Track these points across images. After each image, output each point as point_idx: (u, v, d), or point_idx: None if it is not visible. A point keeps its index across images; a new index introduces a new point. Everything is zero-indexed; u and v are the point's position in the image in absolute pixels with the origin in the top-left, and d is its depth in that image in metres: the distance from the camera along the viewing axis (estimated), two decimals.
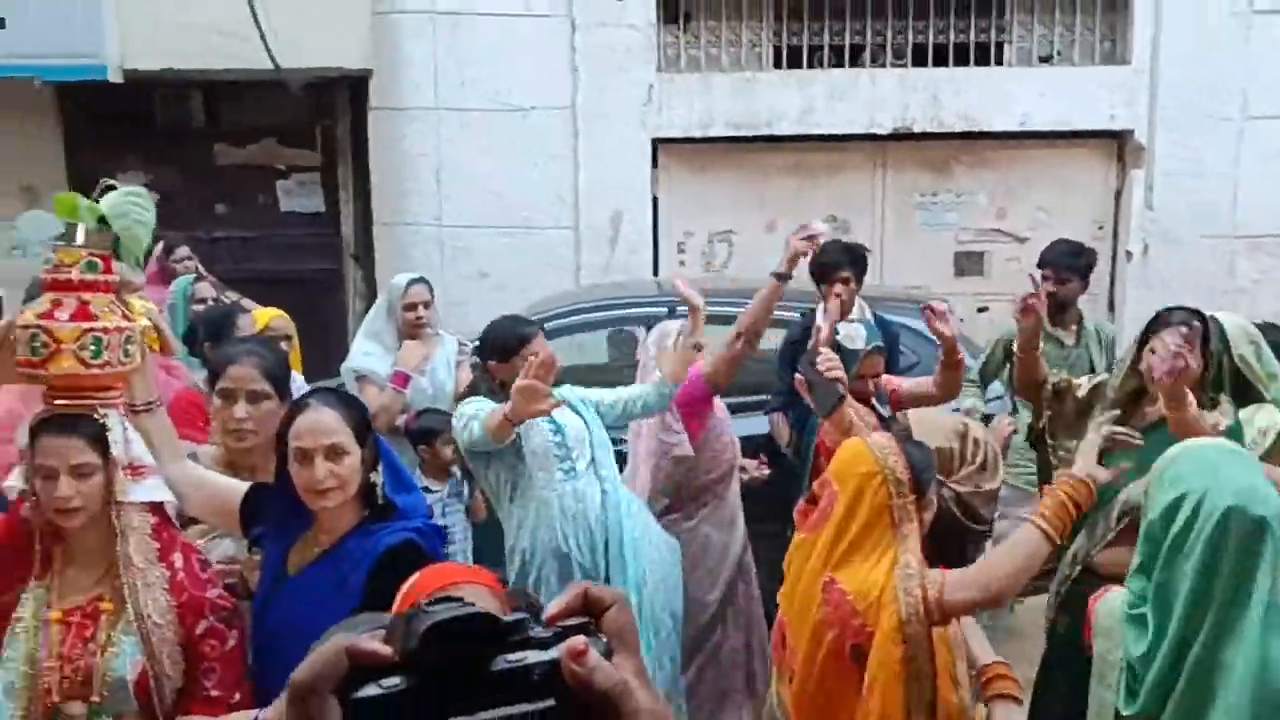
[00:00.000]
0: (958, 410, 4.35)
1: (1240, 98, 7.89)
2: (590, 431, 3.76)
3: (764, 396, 4.99)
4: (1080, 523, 3.17)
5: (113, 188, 2.54)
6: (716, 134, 8.00)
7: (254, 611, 2.58)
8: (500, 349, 3.77)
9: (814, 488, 2.75)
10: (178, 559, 2.45)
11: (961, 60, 8.12)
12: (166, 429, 2.73)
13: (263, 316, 4.74)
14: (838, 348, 3.95)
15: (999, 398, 5.14)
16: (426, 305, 4.74)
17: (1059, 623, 3.42)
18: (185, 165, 8.49)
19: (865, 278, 4.80)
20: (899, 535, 2.53)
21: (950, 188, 8.28)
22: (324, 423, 2.44)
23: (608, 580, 3.67)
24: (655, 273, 7.97)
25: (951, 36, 8.10)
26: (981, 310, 7.95)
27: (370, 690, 0.55)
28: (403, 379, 4.56)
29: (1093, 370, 4.83)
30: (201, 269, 5.86)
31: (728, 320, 4.48)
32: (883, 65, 8.11)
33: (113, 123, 8.25)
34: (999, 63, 8.15)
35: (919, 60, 8.11)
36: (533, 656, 0.57)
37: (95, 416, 2.36)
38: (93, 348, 2.30)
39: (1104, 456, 2.93)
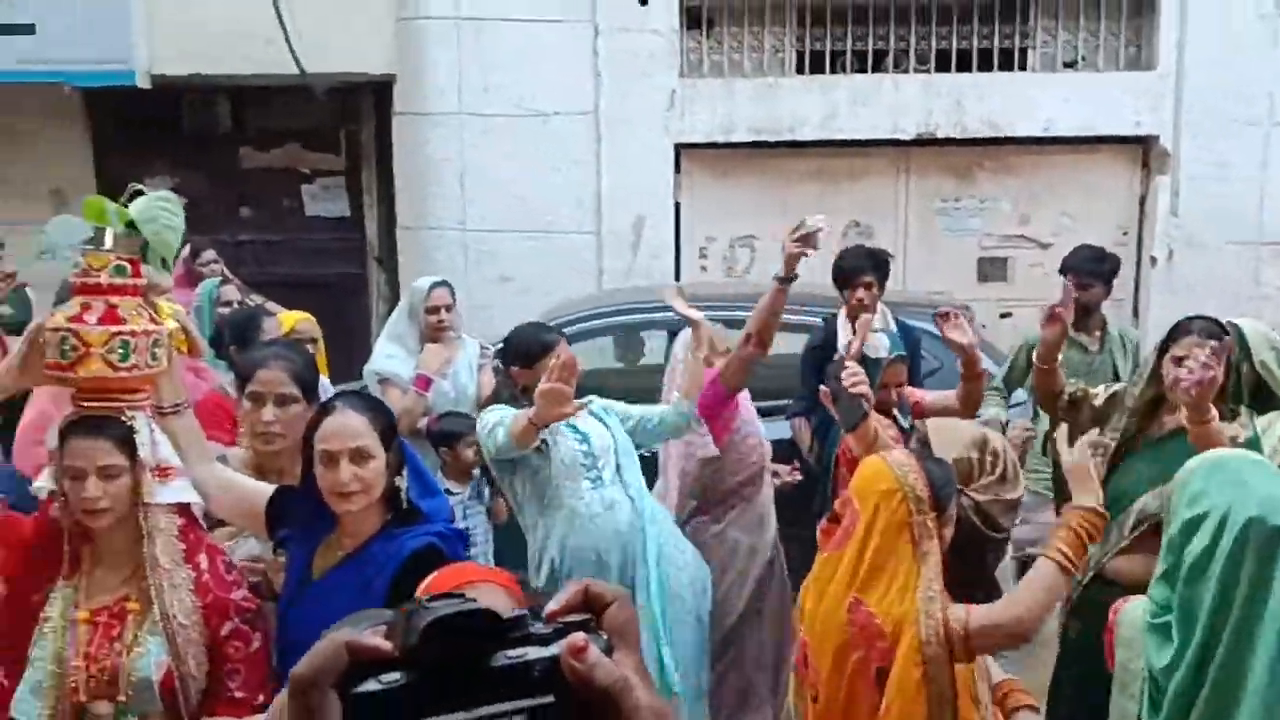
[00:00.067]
0: (978, 417, 4.33)
1: (1267, 102, 7.84)
2: (615, 440, 3.78)
3: (786, 401, 4.99)
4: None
5: (141, 192, 2.56)
6: (739, 139, 8.00)
7: (278, 613, 2.60)
8: (523, 355, 3.78)
9: (836, 506, 2.74)
10: (203, 560, 2.47)
11: (985, 66, 8.08)
12: (194, 431, 2.75)
13: (288, 320, 4.77)
14: (862, 357, 3.95)
15: (1022, 404, 5.12)
16: (448, 308, 4.76)
17: (1070, 628, 3.41)
18: (211, 169, 8.56)
19: (888, 283, 4.80)
20: (920, 553, 2.52)
21: (973, 193, 8.25)
22: (350, 426, 2.44)
23: (634, 588, 3.69)
24: (677, 278, 7.97)
25: (975, 42, 8.08)
26: (1004, 316, 7.92)
27: (370, 685, 0.55)
28: (425, 382, 4.58)
29: (1116, 377, 4.81)
30: (227, 272, 5.91)
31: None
32: (906, 71, 8.10)
33: (140, 127, 8.33)
34: (1023, 68, 8.11)
35: (943, 66, 8.08)
36: (533, 653, 0.57)
37: (123, 419, 2.38)
38: (120, 351, 2.32)
39: (1119, 461, 2.92)
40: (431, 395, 4.60)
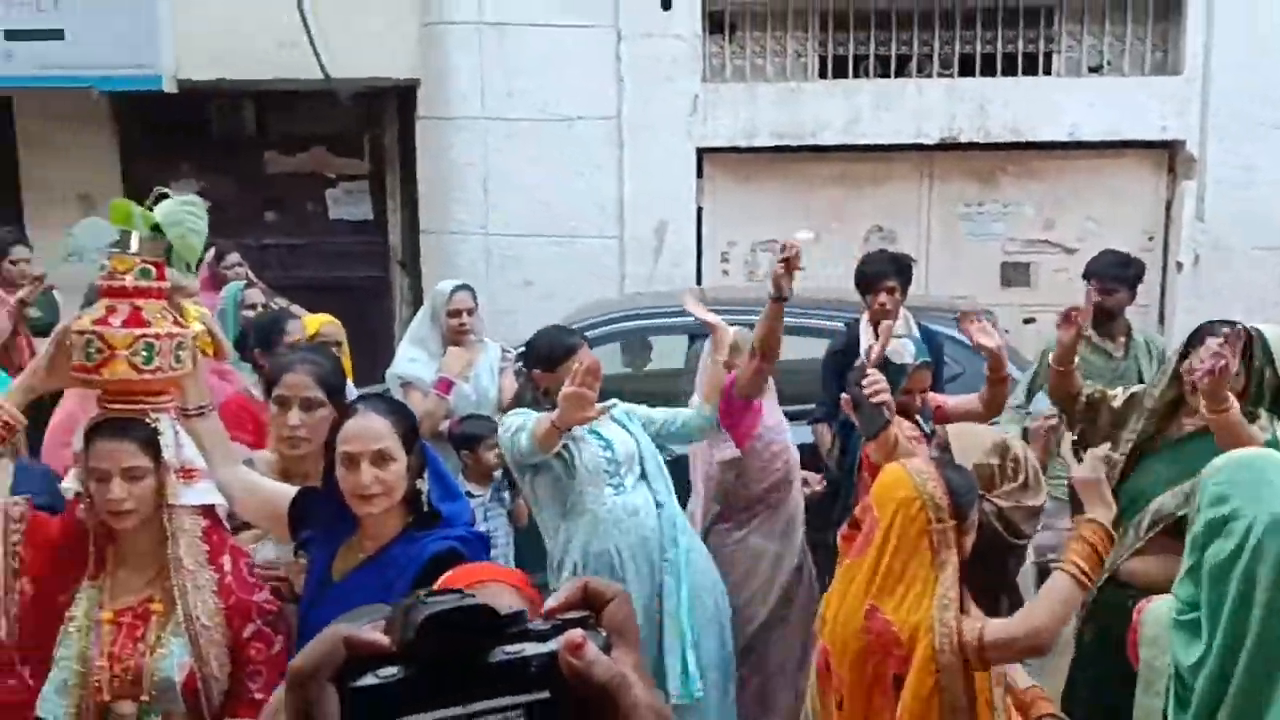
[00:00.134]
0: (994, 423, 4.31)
1: None
2: (639, 446, 3.78)
3: (809, 406, 4.97)
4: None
5: (166, 196, 2.58)
6: (761, 144, 7.99)
7: (299, 615, 2.61)
8: (546, 359, 3.79)
9: (856, 512, 2.74)
10: (226, 562, 2.49)
11: (1009, 70, 8.05)
12: (218, 433, 2.77)
13: (313, 323, 4.80)
14: (885, 362, 3.94)
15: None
16: (470, 312, 4.78)
17: (1085, 631, 3.39)
18: (237, 173, 8.62)
19: (910, 288, 4.78)
20: (938, 562, 2.51)
21: (997, 198, 8.21)
22: (372, 428, 2.45)
23: (661, 594, 3.69)
24: (699, 283, 7.97)
25: (999, 46, 8.04)
26: (1028, 322, 7.87)
27: (368, 679, 0.55)
28: (446, 385, 4.59)
29: (1141, 383, 4.77)
30: (251, 275, 5.95)
31: None
32: (929, 75, 8.07)
33: (167, 132, 8.41)
34: (1047, 73, 8.07)
35: (966, 70, 8.05)
36: (531, 649, 0.57)
37: (147, 421, 2.39)
38: (144, 353, 2.34)
39: (1136, 462, 2.91)
40: (453, 398, 4.61)
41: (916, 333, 4.52)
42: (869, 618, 2.54)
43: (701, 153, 8.03)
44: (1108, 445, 3.31)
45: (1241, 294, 7.57)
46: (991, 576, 2.78)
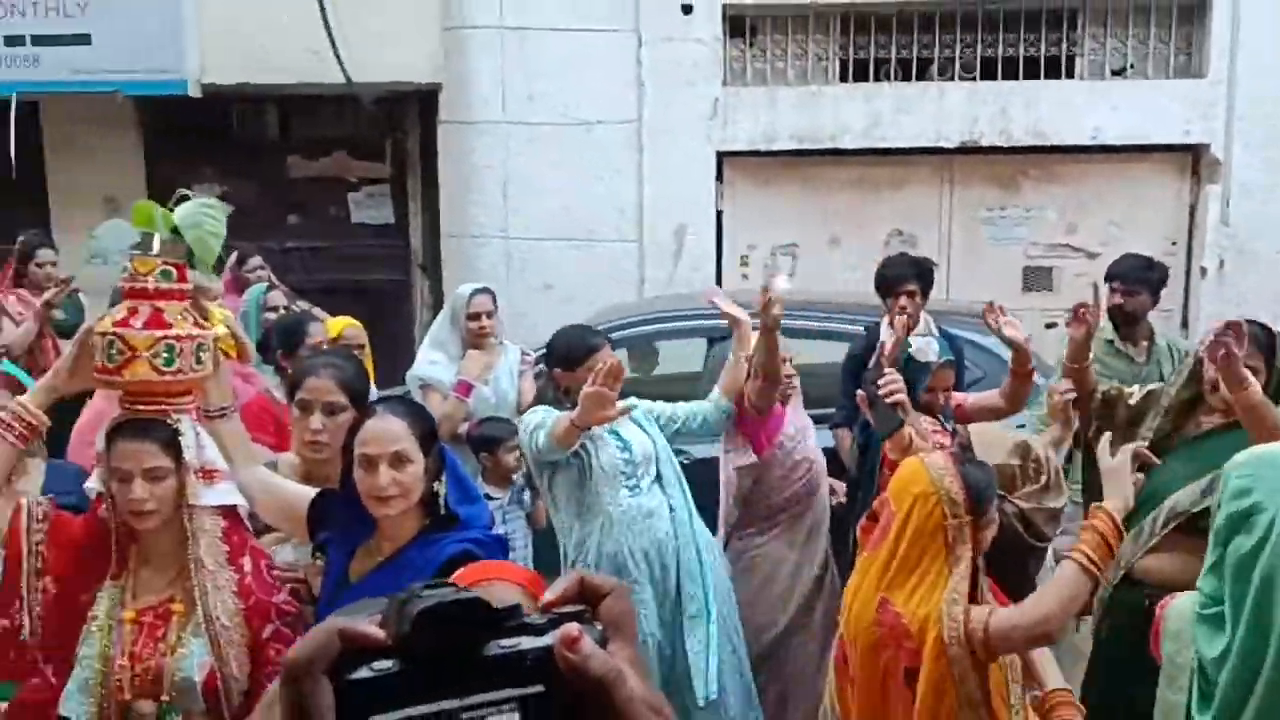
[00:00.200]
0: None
1: None
2: (657, 449, 3.78)
3: (830, 410, 4.96)
4: (1125, 527, 3.12)
5: (187, 198, 2.60)
6: (781, 148, 7.99)
7: (316, 617, 2.62)
8: (567, 358, 3.79)
9: (875, 505, 2.74)
10: (246, 563, 2.49)
11: (1032, 73, 8.02)
12: (240, 434, 2.77)
13: (335, 326, 4.82)
14: (909, 360, 3.92)
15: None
16: (490, 315, 4.79)
17: (1101, 629, 3.38)
18: (260, 177, 8.67)
19: (931, 292, 4.77)
20: (952, 557, 2.51)
21: (1018, 202, 8.18)
22: (390, 430, 2.44)
23: (679, 597, 3.69)
24: (719, 285, 7.97)
25: (1021, 50, 8.01)
26: (1050, 327, 7.82)
27: (362, 672, 0.56)
28: (466, 388, 4.61)
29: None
30: (273, 278, 5.98)
31: (790, 333, 4.47)
32: (951, 78, 8.05)
33: (191, 136, 8.47)
34: (1070, 76, 8.04)
35: (988, 74, 8.03)
36: (526, 643, 0.58)
37: (169, 422, 2.41)
38: (165, 355, 2.34)
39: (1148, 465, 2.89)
40: (472, 401, 4.62)
41: (936, 334, 4.51)
42: (880, 610, 2.55)
43: (721, 156, 8.04)
44: (1141, 442, 3.28)
45: (1267, 298, 7.50)
46: (1012, 578, 2.78)
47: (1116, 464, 2.76)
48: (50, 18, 7.50)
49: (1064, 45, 8.02)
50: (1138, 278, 5.03)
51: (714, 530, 4.20)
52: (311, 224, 8.78)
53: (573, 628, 0.58)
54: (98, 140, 8.27)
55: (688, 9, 7.83)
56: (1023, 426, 4.27)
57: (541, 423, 3.56)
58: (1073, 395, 3.74)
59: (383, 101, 8.30)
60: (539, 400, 3.93)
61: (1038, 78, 8.00)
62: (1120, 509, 2.62)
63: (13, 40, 7.53)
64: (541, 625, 0.59)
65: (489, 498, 4.25)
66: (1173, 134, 7.88)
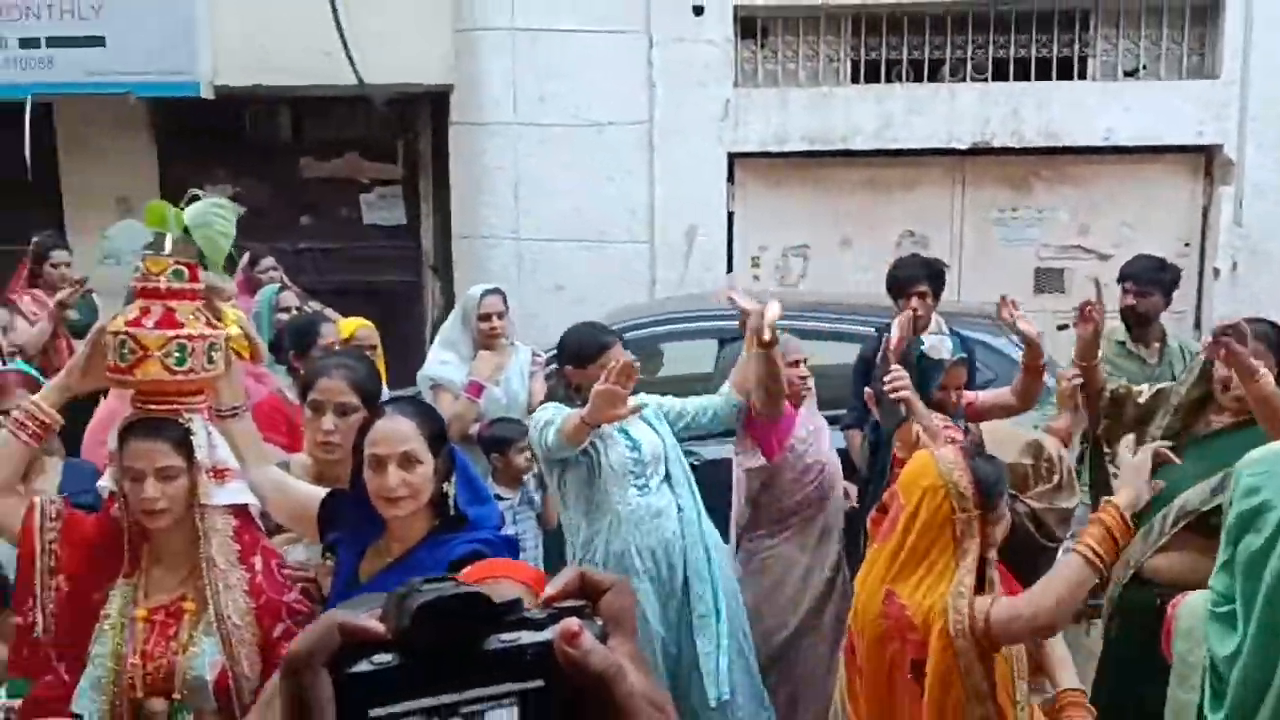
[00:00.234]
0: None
1: None
2: (666, 447, 3.78)
3: (841, 411, 4.96)
4: (1135, 526, 3.11)
5: (198, 198, 2.61)
6: (792, 149, 7.99)
7: None
8: (578, 355, 3.79)
9: (885, 497, 2.74)
10: (258, 562, 2.50)
11: (1044, 74, 8.00)
12: (251, 433, 2.77)
13: (348, 326, 4.84)
14: (921, 358, 3.92)
15: None
16: (501, 316, 4.80)
17: (1111, 629, 3.37)
18: (272, 178, 8.71)
19: (942, 293, 4.76)
20: (960, 550, 2.50)
21: (1030, 204, 8.16)
22: (399, 431, 2.44)
23: (686, 596, 3.70)
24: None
25: (1033, 50, 8.00)
26: (1062, 328, 7.77)
27: (362, 666, 0.56)
28: (477, 388, 4.61)
29: None
30: (285, 279, 6.00)
31: (801, 335, 4.47)
32: (962, 79, 8.03)
33: (204, 137, 8.50)
34: (1082, 77, 8.01)
35: (1000, 74, 8.01)
36: (526, 637, 0.58)
37: (180, 421, 2.41)
38: (177, 354, 2.35)
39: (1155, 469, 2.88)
40: (483, 401, 4.63)
41: (947, 335, 4.50)
42: (886, 602, 2.55)
43: (733, 157, 8.04)
44: (1161, 441, 3.27)
45: None
46: (1023, 578, 2.76)
47: (1136, 461, 2.75)
48: (64, 20, 7.55)
49: (1076, 46, 8.00)
50: (1150, 278, 5.02)
51: (725, 531, 4.21)
52: (323, 225, 8.81)
53: (573, 622, 0.58)
54: (111, 141, 8.31)
55: (699, 10, 7.83)
56: (1036, 428, 4.26)
57: (551, 420, 3.56)
58: (1080, 381, 3.74)
59: (394, 103, 8.32)
60: (550, 398, 3.93)
61: (1050, 79, 7.98)
62: (1130, 504, 2.61)
63: (27, 42, 7.58)
64: (542, 620, 0.59)
65: (499, 498, 4.25)
66: (1185, 135, 7.85)
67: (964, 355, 4.05)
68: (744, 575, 4.23)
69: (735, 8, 7.90)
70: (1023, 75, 8.00)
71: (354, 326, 4.87)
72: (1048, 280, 8.15)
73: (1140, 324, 4.99)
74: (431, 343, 5.30)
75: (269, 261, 6.16)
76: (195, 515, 2.42)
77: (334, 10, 7.44)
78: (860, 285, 7.12)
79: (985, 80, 8.00)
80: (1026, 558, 2.85)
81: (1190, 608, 2.60)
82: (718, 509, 4.15)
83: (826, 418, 4.57)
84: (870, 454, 4.24)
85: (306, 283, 6.64)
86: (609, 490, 3.65)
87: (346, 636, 0.57)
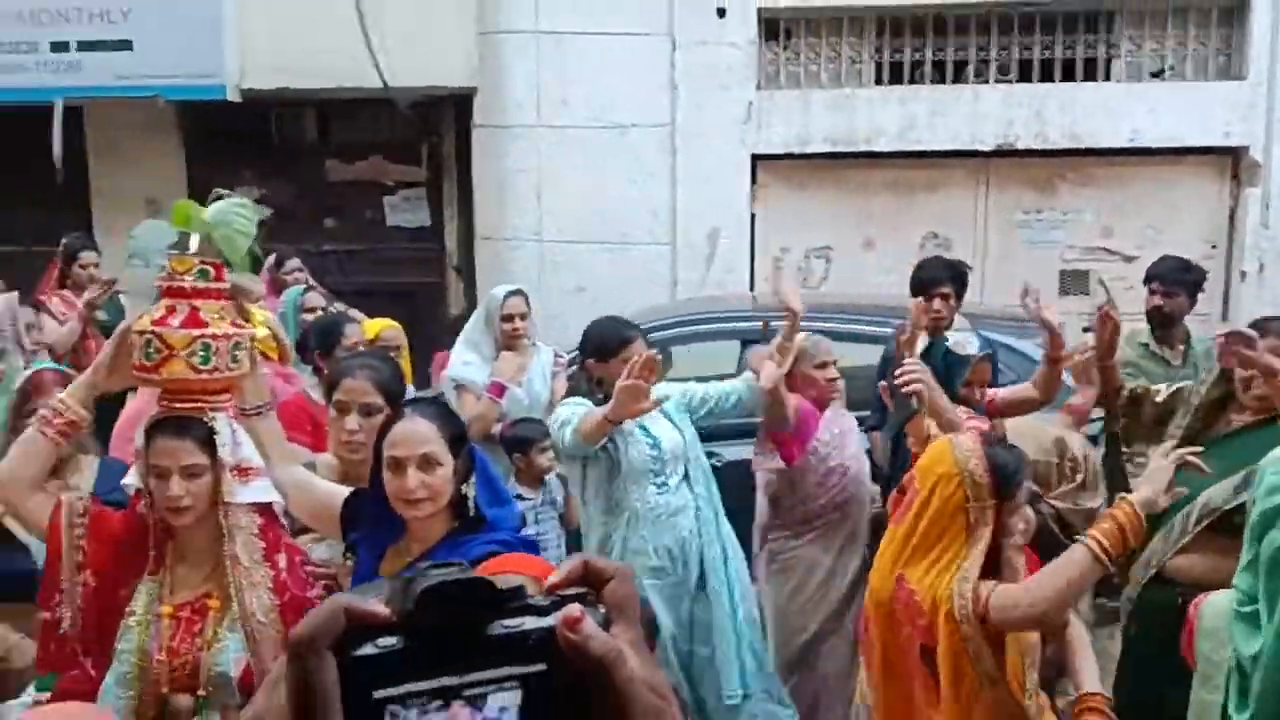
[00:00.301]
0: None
1: None
2: (686, 445, 3.79)
3: (863, 413, 4.95)
4: (1155, 527, 3.10)
5: (222, 198, 2.63)
6: (815, 150, 7.97)
7: None
8: (600, 349, 3.81)
9: (904, 480, 2.75)
10: (281, 559, 2.51)
11: (1068, 76, 7.96)
12: (275, 432, 2.79)
13: (373, 327, 4.87)
14: (946, 353, 3.91)
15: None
16: (523, 317, 4.81)
17: (1131, 628, 3.35)
18: (298, 180, 8.77)
19: (966, 295, 4.75)
20: (972, 538, 2.50)
21: (1055, 205, 8.12)
22: (418, 432, 2.44)
23: (702, 594, 3.71)
24: (752, 289, 7.97)
25: (1058, 52, 7.96)
26: (1087, 330, 7.75)
27: (367, 649, 0.57)
28: (499, 389, 4.63)
29: None
30: (311, 280, 6.04)
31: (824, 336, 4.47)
32: (986, 81, 8.00)
33: (230, 140, 8.57)
34: (1107, 78, 7.97)
35: (1024, 76, 7.97)
36: (530, 623, 0.58)
37: (205, 419, 2.43)
38: (202, 354, 2.37)
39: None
40: (505, 402, 4.65)
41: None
42: (898, 586, 2.56)
43: (755, 159, 8.03)
44: (1183, 447, 3.26)
45: None
46: None
47: (1162, 464, 2.73)
48: (94, 24, 7.63)
49: (1101, 47, 7.95)
50: (1175, 279, 4.99)
51: (749, 531, 4.22)
52: (348, 227, 8.86)
53: (575, 608, 0.58)
54: (140, 144, 8.40)
55: (722, 12, 7.83)
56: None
57: (568, 419, 3.58)
58: (1091, 355, 3.73)
59: (419, 106, 8.36)
60: (572, 392, 3.94)
61: (1074, 80, 7.94)
62: (1146, 504, 2.58)
63: (58, 46, 7.67)
64: (545, 606, 0.59)
65: (521, 498, 4.27)
66: (1212, 136, 7.79)
67: (989, 352, 4.04)
68: (767, 576, 4.23)
69: (758, 10, 7.89)
70: (1047, 76, 7.96)
71: (379, 327, 4.91)
72: (1072, 282, 8.10)
73: (1165, 325, 4.96)
74: (454, 344, 5.33)
75: (294, 263, 6.20)
76: (220, 513, 2.44)
77: (359, 14, 7.49)
78: (883, 287, 7.10)
79: (1009, 82, 7.97)
80: (1049, 558, 2.84)
81: (1214, 607, 2.58)
82: (740, 510, 4.16)
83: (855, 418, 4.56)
84: (891, 453, 4.24)
85: (331, 284, 6.68)
86: (628, 487, 3.66)
87: (351, 620, 0.57)
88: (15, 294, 4.90)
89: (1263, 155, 7.73)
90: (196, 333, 2.37)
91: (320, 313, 5.26)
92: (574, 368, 4.72)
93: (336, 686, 0.56)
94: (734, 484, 4.25)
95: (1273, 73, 7.65)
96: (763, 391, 3.85)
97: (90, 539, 2.48)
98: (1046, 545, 2.79)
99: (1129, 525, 2.52)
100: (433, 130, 8.78)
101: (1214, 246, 7.95)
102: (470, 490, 2.52)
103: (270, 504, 2.57)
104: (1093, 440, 3.85)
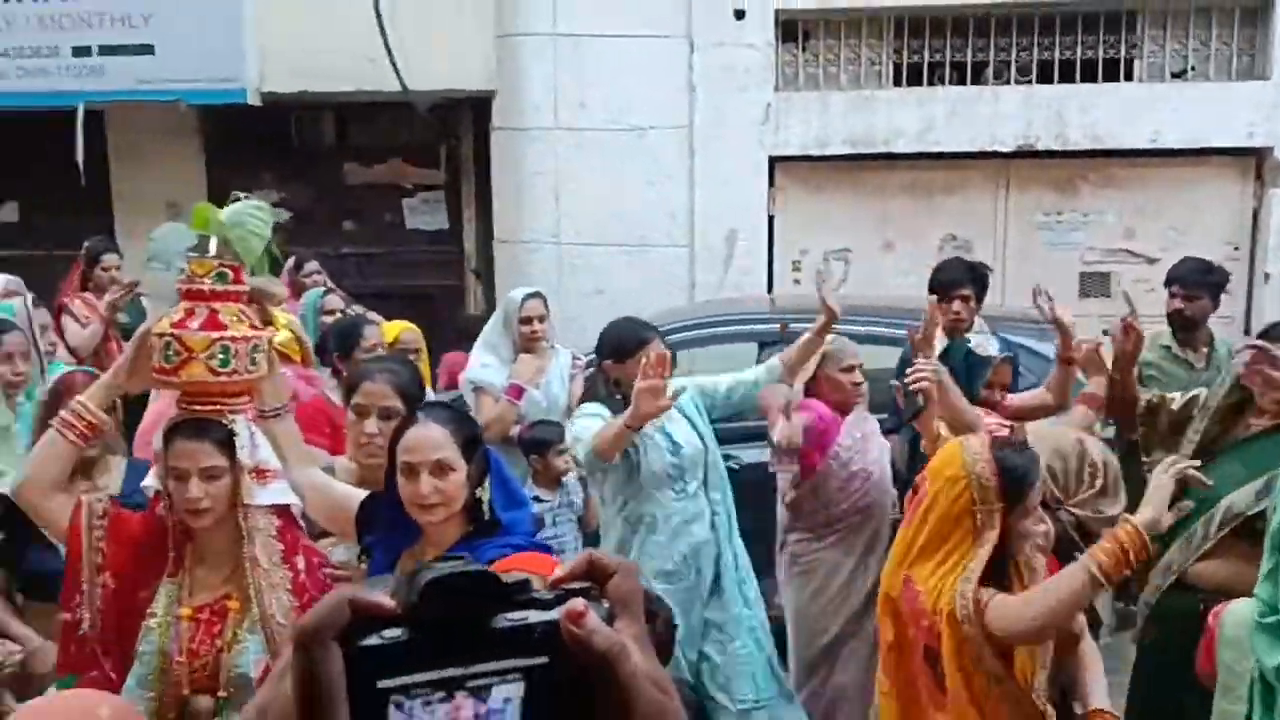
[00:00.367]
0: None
1: None
2: (706, 450, 3.78)
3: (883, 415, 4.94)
4: (1175, 533, 3.08)
5: (240, 200, 2.64)
6: (834, 152, 7.95)
7: None
8: (617, 350, 3.80)
9: (917, 480, 2.74)
10: (300, 561, 2.52)
11: (1089, 77, 7.91)
12: (293, 434, 2.80)
13: (392, 330, 4.88)
14: (968, 355, 3.90)
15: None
16: (542, 319, 4.82)
17: (1147, 634, 3.32)
18: (317, 183, 8.82)
19: (986, 297, 4.72)
20: (979, 541, 2.49)
21: (1076, 207, 8.07)
22: (431, 438, 2.43)
23: (714, 598, 3.70)
24: (770, 291, 7.96)
25: (1078, 52, 7.91)
26: (1107, 333, 7.70)
27: (372, 640, 0.57)
28: (517, 391, 4.64)
29: None
30: (330, 283, 6.07)
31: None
32: (1006, 82, 7.96)
33: (250, 143, 8.62)
34: (1129, 78, 7.92)
35: (1044, 77, 7.93)
36: (534, 616, 0.59)
37: (224, 422, 2.44)
38: (221, 356, 2.38)
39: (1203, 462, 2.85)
40: (524, 404, 4.66)
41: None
42: (906, 586, 2.57)
43: (773, 161, 8.02)
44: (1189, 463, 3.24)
45: None
46: None
47: (1163, 481, 2.68)
48: (115, 29, 7.70)
49: (1122, 48, 7.91)
50: (1197, 281, 4.95)
51: (770, 532, 4.22)
52: (367, 230, 8.90)
53: (578, 602, 0.59)
54: (161, 148, 8.45)
55: (740, 14, 7.82)
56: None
57: (582, 434, 3.58)
58: (1099, 344, 3.72)
59: (437, 108, 8.39)
60: (589, 393, 3.94)
61: (1095, 81, 7.89)
62: (1149, 525, 2.54)
63: (80, 51, 7.73)
64: (549, 600, 0.60)
65: (539, 500, 4.28)
66: (1235, 137, 7.73)
67: (1010, 354, 4.02)
68: (789, 578, 4.22)
69: (776, 11, 7.88)
70: (1068, 77, 7.91)
71: (398, 330, 4.92)
72: (1093, 284, 8.05)
73: (1187, 328, 4.92)
74: (461, 347, 5.34)
75: (313, 265, 6.23)
76: (238, 515, 2.45)
77: (378, 18, 7.52)
78: (902, 289, 7.08)
79: (1029, 83, 7.93)
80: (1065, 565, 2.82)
81: (1235, 616, 2.56)
82: (759, 511, 4.15)
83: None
84: (909, 455, 4.22)
85: (349, 287, 6.70)
86: (648, 493, 3.66)
87: (356, 611, 0.58)
88: (30, 295, 4.92)
89: None
90: (215, 335, 2.38)
91: (339, 315, 5.28)
92: (591, 369, 4.73)
93: (342, 677, 0.57)
94: (753, 486, 4.24)
95: None
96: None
97: (110, 541, 2.49)
98: (1065, 553, 2.77)
99: (1131, 546, 2.48)
100: (451, 133, 8.81)
101: (1237, 248, 7.89)
102: (485, 494, 2.51)
103: (288, 506, 2.58)
104: (1109, 444, 3.84)
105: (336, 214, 8.86)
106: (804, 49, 8.13)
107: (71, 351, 5.50)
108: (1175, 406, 3.49)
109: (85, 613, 2.45)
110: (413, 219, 8.95)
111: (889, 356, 5.00)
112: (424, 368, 4.82)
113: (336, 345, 4.48)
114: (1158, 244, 7.87)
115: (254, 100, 7.89)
